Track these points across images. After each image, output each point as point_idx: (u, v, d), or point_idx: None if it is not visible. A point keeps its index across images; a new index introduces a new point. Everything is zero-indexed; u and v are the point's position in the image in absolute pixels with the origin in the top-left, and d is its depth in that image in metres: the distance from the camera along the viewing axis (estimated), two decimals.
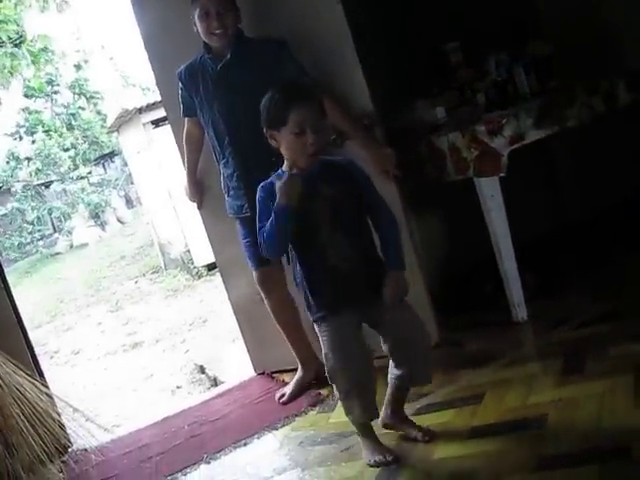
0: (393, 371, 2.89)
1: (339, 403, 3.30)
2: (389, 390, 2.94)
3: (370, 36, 3.76)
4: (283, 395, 3.70)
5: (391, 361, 2.87)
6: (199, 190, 3.92)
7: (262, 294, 3.67)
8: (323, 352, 2.78)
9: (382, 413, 2.97)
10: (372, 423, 2.87)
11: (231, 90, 3.41)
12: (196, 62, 3.53)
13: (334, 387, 2.83)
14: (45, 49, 17.81)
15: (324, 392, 3.58)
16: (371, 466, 2.79)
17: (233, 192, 3.56)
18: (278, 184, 2.61)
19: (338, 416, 3.30)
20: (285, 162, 2.73)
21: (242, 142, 3.41)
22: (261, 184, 2.73)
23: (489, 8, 4.31)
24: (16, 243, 19.86)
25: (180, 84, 3.59)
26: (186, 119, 3.69)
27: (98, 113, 20.49)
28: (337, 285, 2.69)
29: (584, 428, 2.60)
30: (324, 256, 2.67)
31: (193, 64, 3.54)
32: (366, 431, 2.88)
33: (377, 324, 2.80)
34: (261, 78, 3.25)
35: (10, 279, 4.07)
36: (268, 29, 3.55)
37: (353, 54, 3.50)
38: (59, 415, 3.86)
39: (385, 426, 2.97)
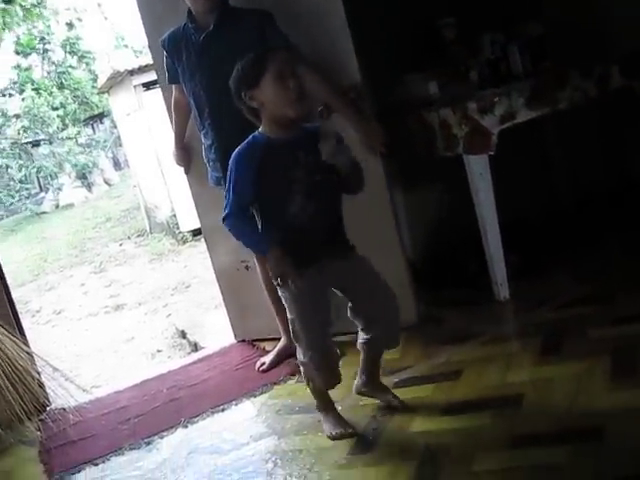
0: (362, 336, 2.89)
1: None
2: (361, 357, 2.95)
3: (362, 6, 3.71)
4: (263, 364, 3.72)
5: (360, 326, 2.87)
6: (186, 155, 3.91)
7: (256, 262, 3.65)
8: (288, 316, 2.79)
9: (356, 381, 3.00)
10: (344, 396, 2.90)
11: (213, 62, 3.36)
12: (179, 30, 3.48)
13: (297, 351, 2.84)
14: (37, 5, 17.63)
15: None
16: (332, 439, 2.81)
17: (212, 163, 3.55)
18: (268, 258, 2.63)
19: None
20: (262, 124, 2.68)
21: (221, 115, 3.37)
22: (235, 152, 2.68)
23: None
24: (4, 198, 19.76)
25: (164, 52, 3.56)
26: (173, 86, 3.66)
27: (89, 73, 20.34)
28: (302, 247, 2.66)
29: (560, 408, 2.62)
30: (293, 220, 2.65)
31: (176, 32, 3.49)
32: (325, 402, 2.91)
33: (343, 286, 2.79)
34: (243, 51, 3.23)
35: None
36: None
37: (343, 24, 3.45)
38: (39, 374, 3.87)
39: (360, 393, 3.00)
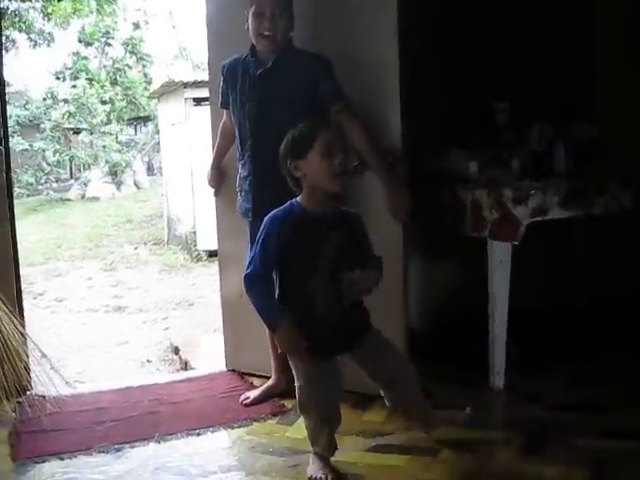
0: (386, 396, 3.03)
1: (299, 419, 3.34)
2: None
3: (419, 76, 3.77)
4: (248, 397, 3.70)
5: (381, 387, 3.00)
6: (220, 178, 3.95)
7: None
8: (296, 384, 2.81)
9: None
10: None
11: (264, 98, 3.40)
12: (240, 60, 3.53)
13: (302, 417, 2.89)
14: (112, 1, 17.96)
15: (288, 405, 3.58)
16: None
17: (244, 194, 3.57)
18: (276, 332, 2.67)
19: (295, 431, 3.31)
20: (302, 194, 2.74)
21: (262, 151, 3.39)
22: (272, 213, 2.74)
23: (548, 79, 4.36)
24: (31, 179, 19.91)
25: (222, 76, 3.62)
26: (224, 110, 3.72)
27: (144, 76, 20.60)
28: (320, 334, 2.70)
29: None
30: (313, 301, 2.69)
31: (237, 60, 3.54)
32: (324, 458, 2.91)
33: (364, 364, 2.87)
34: (297, 92, 3.28)
35: (16, 213, 4.09)
36: (318, 44, 3.54)
37: (395, 88, 3.49)
38: (27, 356, 3.88)
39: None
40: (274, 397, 3.67)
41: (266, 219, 2.72)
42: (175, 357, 5.56)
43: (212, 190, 4.05)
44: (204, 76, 9.00)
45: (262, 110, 3.40)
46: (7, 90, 4.15)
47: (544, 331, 4.39)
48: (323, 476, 2.82)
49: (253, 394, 3.71)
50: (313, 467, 2.88)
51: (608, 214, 3.86)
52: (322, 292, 2.68)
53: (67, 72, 20.48)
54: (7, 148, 4.01)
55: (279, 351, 3.62)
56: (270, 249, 2.66)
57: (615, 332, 4.44)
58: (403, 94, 3.50)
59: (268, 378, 3.77)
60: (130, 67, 20.84)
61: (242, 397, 3.73)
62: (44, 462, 3.16)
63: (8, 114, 4.12)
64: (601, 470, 2.84)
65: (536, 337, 4.27)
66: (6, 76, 4.03)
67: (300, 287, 2.68)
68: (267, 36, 3.37)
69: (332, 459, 2.90)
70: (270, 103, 3.37)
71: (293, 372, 2.82)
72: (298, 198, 2.75)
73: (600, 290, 4.66)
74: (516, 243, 3.60)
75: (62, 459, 3.18)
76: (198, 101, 10.59)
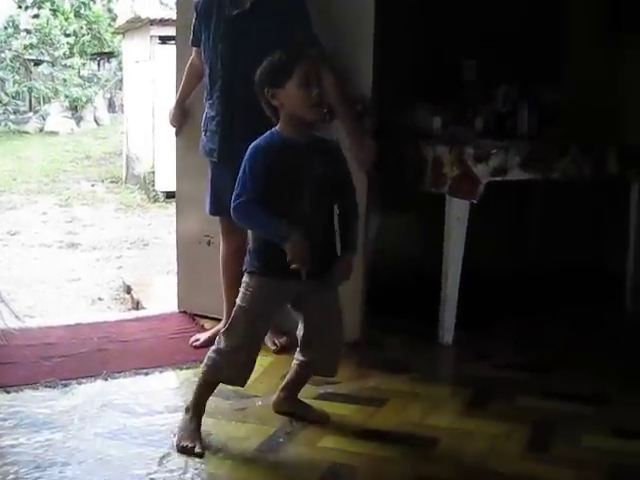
0: (299, 356, 2.92)
1: None
2: (290, 375, 2.98)
3: (392, 28, 3.74)
4: (198, 340, 3.70)
5: (300, 346, 2.91)
6: (183, 117, 3.89)
7: (221, 241, 3.66)
8: (237, 302, 2.77)
9: (275, 398, 3.01)
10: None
11: (238, 39, 3.34)
12: None
13: (219, 339, 2.76)
14: None
15: None
16: (177, 448, 2.70)
17: (209, 134, 3.51)
18: (288, 245, 2.59)
19: None
20: (280, 123, 2.72)
21: (232, 91, 3.36)
22: (254, 144, 2.71)
23: (517, 39, 4.35)
24: None
25: (195, 13, 3.55)
26: (194, 48, 3.65)
27: (109, 11, 20.16)
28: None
29: (469, 463, 2.66)
30: (295, 225, 2.65)
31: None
32: (199, 414, 2.81)
33: (302, 305, 2.83)
34: (273, 36, 3.23)
35: None
36: None
37: (369, 39, 3.48)
38: None
39: (278, 411, 3.00)
40: None
41: (250, 149, 2.70)
42: (127, 296, 5.53)
43: (173, 130, 3.99)
44: (171, 14, 8.85)
45: (235, 51, 3.34)
46: None
47: (494, 290, 4.45)
48: (191, 444, 2.69)
49: (203, 336, 3.70)
50: (181, 433, 2.77)
51: (567, 179, 3.89)
52: (305, 217, 2.68)
53: (30, 1, 19.95)
54: None
55: (232, 299, 3.64)
56: (258, 177, 2.65)
57: (562, 294, 4.52)
58: (376, 45, 3.48)
59: (219, 321, 3.76)
60: (94, 1, 20.37)
61: (192, 339, 3.72)
62: None
63: None
64: (541, 429, 2.90)
65: (486, 296, 4.33)
66: None
67: (284, 213, 2.66)
68: None
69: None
70: (244, 45, 3.31)
71: (240, 290, 2.78)
72: (277, 127, 2.74)
73: (551, 253, 4.72)
74: (474, 201, 3.62)
75: (8, 392, 3.15)
76: (164, 40, 10.42)
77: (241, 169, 2.70)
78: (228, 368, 2.77)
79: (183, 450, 2.68)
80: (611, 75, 4.61)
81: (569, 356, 3.68)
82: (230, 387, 2.96)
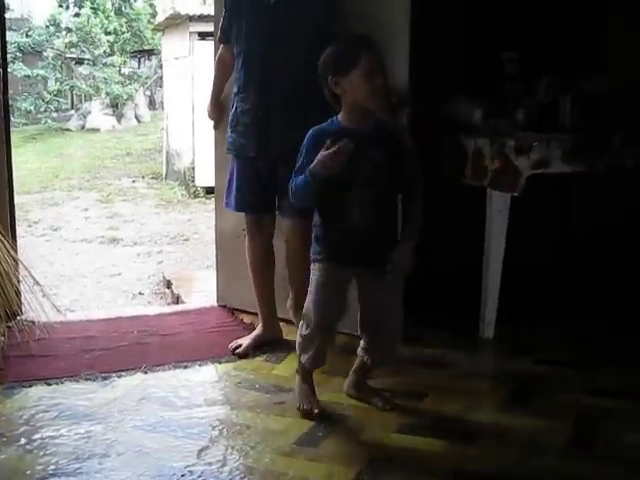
0: (363, 344, 3.00)
1: (286, 358, 3.35)
2: (357, 361, 3.06)
3: (432, 21, 3.71)
4: (239, 346, 3.58)
5: (364, 338, 2.99)
6: (220, 112, 3.87)
7: (247, 238, 3.63)
8: (309, 289, 2.86)
9: (346, 382, 3.09)
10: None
11: (278, 29, 3.31)
12: None
13: (300, 324, 2.91)
14: None
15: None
16: (298, 409, 2.90)
17: (242, 128, 3.43)
18: (324, 153, 2.62)
19: (282, 370, 3.34)
20: (342, 112, 2.75)
21: (270, 82, 3.32)
22: (312, 129, 2.76)
23: (560, 31, 4.29)
24: (31, 107, 19.72)
25: (224, 10, 3.53)
26: (221, 45, 3.63)
27: (150, 7, 20.31)
28: (350, 243, 2.75)
29: (509, 459, 2.62)
30: (348, 213, 2.72)
31: None
32: (307, 377, 2.98)
33: (364, 294, 2.88)
34: (309, 27, 3.21)
35: (14, 140, 4.05)
36: None
37: (405, 31, 3.43)
38: (18, 282, 3.87)
39: (349, 395, 3.07)
40: (264, 345, 3.60)
41: (308, 135, 2.76)
42: (167, 291, 5.55)
43: (212, 124, 3.99)
44: (210, 10, 8.87)
45: (274, 41, 3.31)
46: (9, 16, 4.09)
47: (536, 285, 4.39)
48: (309, 406, 2.90)
49: (245, 342, 3.60)
50: (299, 396, 2.96)
51: (610, 171, 3.82)
52: (358, 205, 2.71)
53: (71, 0, 20.17)
54: (5, 71, 3.94)
55: (265, 302, 3.64)
56: (311, 161, 2.68)
57: (607, 289, 4.45)
58: (413, 37, 3.44)
59: (257, 315, 3.74)
60: None
61: (233, 344, 3.59)
62: (31, 386, 3.17)
63: (9, 40, 4.05)
64: (583, 426, 2.86)
65: (527, 291, 4.27)
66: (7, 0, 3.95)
67: (337, 200, 2.72)
68: None
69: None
70: (283, 35, 3.28)
71: (310, 280, 2.86)
72: (339, 116, 2.77)
73: (594, 246, 4.64)
74: (516, 194, 3.58)
75: (49, 384, 3.19)
76: (203, 35, 10.46)
77: (299, 154, 2.76)
78: (306, 352, 2.91)
79: (303, 412, 2.90)
80: None
81: (612, 352, 3.61)
82: (271, 381, 3.07)
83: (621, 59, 4.48)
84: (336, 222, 2.75)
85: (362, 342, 3.00)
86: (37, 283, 3.96)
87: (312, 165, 2.65)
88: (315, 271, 2.84)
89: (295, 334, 3.02)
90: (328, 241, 2.79)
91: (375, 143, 2.73)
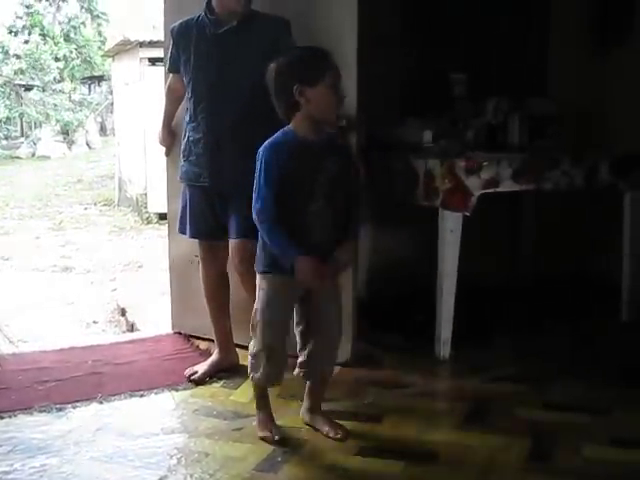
0: (300, 359, 2.96)
1: (243, 384, 3.33)
2: (307, 385, 3.04)
3: (377, 44, 3.74)
4: (195, 372, 3.54)
5: (299, 346, 2.95)
6: (171, 138, 3.86)
7: (201, 265, 3.61)
8: (255, 306, 2.84)
9: (302, 407, 3.06)
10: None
11: (224, 58, 3.31)
12: (192, 21, 3.40)
13: (251, 345, 2.88)
14: None
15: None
16: (261, 439, 2.87)
17: (194, 158, 3.42)
18: (299, 264, 2.68)
19: (240, 395, 3.31)
20: (295, 122, 2.74)
21: (219, 111, 3.31)
22: (267, 143, 2.74)
23: (507, 53, 4.38)
24: None
25: (171, 40, 3.53)
26: (170, 74, 3.63)
27: (99, 34, 20.23)
28: (307, 251, 2.72)
29: (470, 476, 2.63)
30: (309, 225, 2.73)
31: (189, 22, 3.41)
32: (263, 399, 2.96)
33: (309, 299, 2.86)
34: (256, 54, 3.21)
35: None
36: (275, 7, 3.44)
37: (352, 54, 3.46)
38: None
39: (304, 421, 3.03)
40: (221, 371, 3.56)
41: (262, 149, 2.73)
42: (122, 319, 5.52)
43: (164, 150, 3.98)
44: (160, 36, 8.86)
45: (221, 70, 3.31)
46: None
47: (489, 303, 4.44)
48: (269, 434, 2.88)
49: (201, 369, 3.56)
50: (258, 425, 2.94)
51: (559, 190, 3.89)
52: (317, 217, 2.73)
53: (20, 26, 20.01)
54: None
55: (221, 328, 3.62)
56: (272, 179, 2.69)
57: (557, 306, 4.51)
58: (360, 60, 3.47)
59: (213, 341, 3.72)
60: (85, 25, 20.45)
61: (188, 371, 3.55)
62: None
63: None
64: (541, 441, 2.88)
65: (481, 309, 4.31)
66: None
67: (296, 211, 2.72)
68: None
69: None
70: (229, 63, 3.29)
71: (256, 293, 2.85)
72: (291, 126, 2.76)
73: (546, 264, 4.71)
74: (467, 214, 3.62)
75: (2, 418, 3.12)
76: (153, 61, 10.43)
77: (256, 169, 2.73)
78: (261, 369, 2.86)
79: (263, 439, 2.87)
80: (600, 87, 4.62)
81: (566, 367, 3.65)
82: (229, 407, 3.04)
83: (565, 80, 4.58)
84: (297, 239, 2.72)
85: (300, 358, 2.94)
86: None
87: (298, 259, 2.67)
88: (262, 285, 2.83)
89: None
90: (275, 253, 2.77)
91: (330, 156, 2.77)
